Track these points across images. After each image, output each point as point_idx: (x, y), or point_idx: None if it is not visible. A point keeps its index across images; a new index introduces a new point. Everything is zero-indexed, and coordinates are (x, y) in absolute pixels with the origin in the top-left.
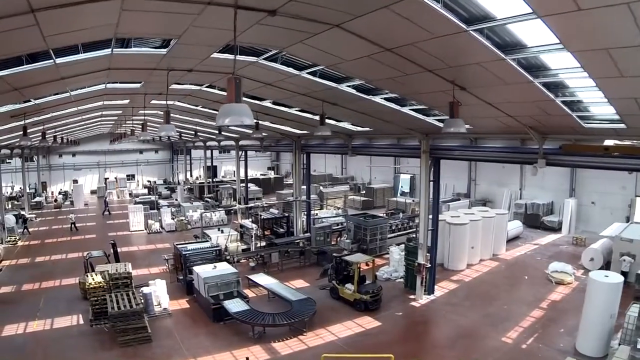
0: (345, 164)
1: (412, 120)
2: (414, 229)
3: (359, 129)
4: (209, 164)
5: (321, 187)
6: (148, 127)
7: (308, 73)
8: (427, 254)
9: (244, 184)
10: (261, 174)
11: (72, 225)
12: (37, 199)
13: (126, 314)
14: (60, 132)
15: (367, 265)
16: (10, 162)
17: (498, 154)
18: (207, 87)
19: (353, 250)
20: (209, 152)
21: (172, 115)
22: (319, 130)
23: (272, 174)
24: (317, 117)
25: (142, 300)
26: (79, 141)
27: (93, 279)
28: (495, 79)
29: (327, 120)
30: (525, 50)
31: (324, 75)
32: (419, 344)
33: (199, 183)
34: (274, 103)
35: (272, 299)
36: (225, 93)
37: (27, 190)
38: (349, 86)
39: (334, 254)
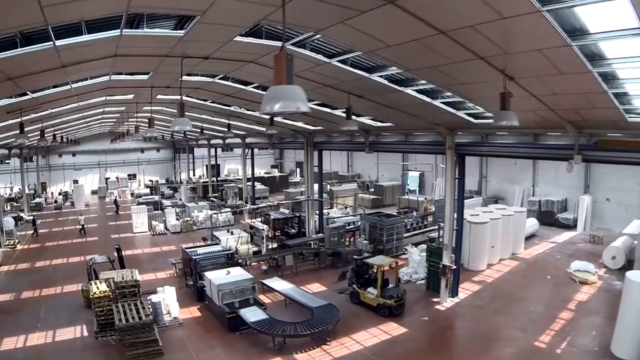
0: (352, 162)
1: (440, 114)
2: (429, 228)
3: (379, 124)
4: (212, 162)
5: (330, 186)
6: (154, 124)
7: (338, 61)
8: (452, 255)
9: (249, 183)
10: (265, 172)
11: (82, 228)
12: (37, 200)
13: (135, 327)
14: (60, 131)
15: (390, 267)
16: (9, 163)
17: (530, 150)
18: (220, 79)
19: (369, 251)
20: (212, 151)
21: (174, 117)
22: (345, 125)
23: (276, 172)
24: (336, 112)
25: (151, 310)
26: (79, 140)
27: (98, 288)
28: (551, 68)
29: (342, 114)
30: (589, 37)
31: (354, 64)
32: (450, 352)
33: (203, 182)
34: None
35: (289, 305)
36: (237, 85)
37: (27, 191)
38: (380, 76)
39: (354, 257)
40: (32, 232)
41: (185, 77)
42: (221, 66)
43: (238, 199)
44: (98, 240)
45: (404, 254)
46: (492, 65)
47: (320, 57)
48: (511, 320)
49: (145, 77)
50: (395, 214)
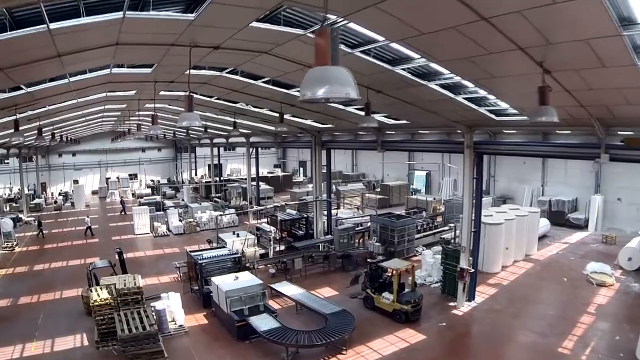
0: (356, 161)
1: (461, 110)
2: (440, 229)
3: (393, 122)
4: (215, 162)
5: (336, 186)
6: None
7: (361, 52)
8: (470, 258)
9: (253, 183)
10: (268, 172)
11: (88, 230)
12: (36, 200)
13: (138, 337)
14: (59, 130)
15: (406, 271)
16: (8, 163)
17: (554, 149)
18: (228, 72)
19: (381, 254)
20: (215, 150)
21: (177, 115)
22: (365, 122)
23: (279, 172)
24: (349, 109)
25: (155, 318)
26: (79, 140)
27: (98, 295)
28: (595, 60)
29: (356, 112)
30: (637, 27)
31: (377, 57)
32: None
33: (205, 182)
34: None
35: (300, 311)
36: (247, 80)
37: (26, 192)
38: (403, 69)
39: (368, 260)
40: (37, 233)
41: (192, 71)
42: (232, 57)
43: (242, 199)
44: (99, 242)
45: (415, 255)
46: (531, 57)
47: (342, 47)
48: (531, 325)
49: (148, 70)
50: (405, 214)
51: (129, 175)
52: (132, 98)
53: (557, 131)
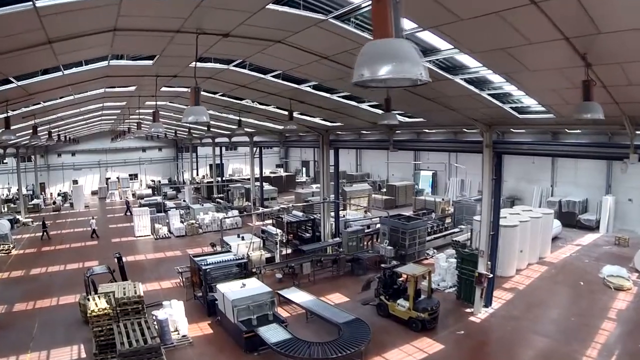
0: (360, 160)
1: (484, 107)
2: (451, 231)
3: (407, 119)
4: (217, 161)
5: (342, 186)
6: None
7: None
8: (488, 263)
9: (257, 183)
10: (271, 172)
11: (93, 233)
12: (35, 201)
13: (139, 352)
14: (56, 129)
15: (422, 277)
16: (6, 163)
17: (579, 149)
18: (235, 65)
19: (392, 257)
20: (216, 150)
21: (179, 112)
22: (385, 119)
23: (281, 172)
24: (363, 105)
25: (157, 328)
26: (78, 139)
27: (96, 305)
28: None
29: (370, 109)
30: None
31: None
32: None
33: (207, 182)
34: (314, 87)
35: (311, 319)
36: (255, 74)
37: (25, 192)
38: (429, 61)
39: (382, 265)
40: (42, 234)
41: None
42: (241, 48)
43: (245, 200)
44: (98, 245)
45: (427, 258)
46: (575, 48)
47: (366, 35)
48: (552, 332)
49: (150, 62)
50: (414, 216)
51: (129, 175)
52: (132, 94)
53: (567, 130)
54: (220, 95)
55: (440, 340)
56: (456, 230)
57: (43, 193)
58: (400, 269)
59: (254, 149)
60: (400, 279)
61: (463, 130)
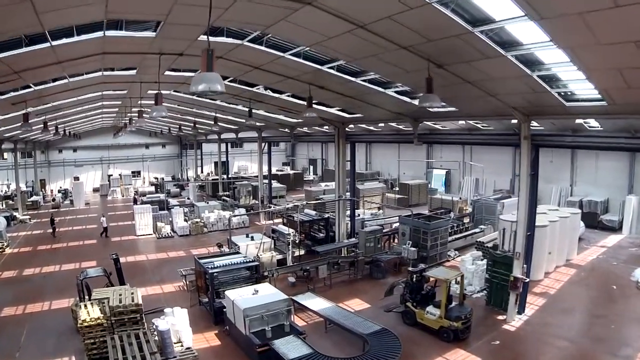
0: (370, 158)
1: (528, 92)
2: (472, 231)
3: (436, 109)
4: (222, 158)
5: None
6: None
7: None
8: (524, 266)
9: (265, 180)
10: (277, 170)
11: (104, 231)
12: (34, 197)
13: None
14: (55, 120)
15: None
16: (6, 159)
17: (629, 142)
18: (251, 40)
19: (416, 259)
20: (222, 147)
21: (185, 103)
22: (426, 101)
23: (288, 170)
24: (389, 92)
25: (158, 340)
26: (79, 135)
27: (88, 313)
28: None
29: (395, 95)
30: None
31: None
32: None
33: (212, 179)
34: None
35: (330, 328)
36: (273, 51)
37: (24, 189)
38: (482, 31)
39: (409, 269)
40: (51, 231)
41: (203, 38)
42: (262, 12)
43: (252, 198)
44: (97, 244)
45: (448, 260)
46: None
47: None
48: (595, 343)
49: (152, 34)
50: (436, 215)
51: (132, 172)
52: (133, 80)
53: (588, 127)
54: (229, 82)
55: (475, 352)
56: (477, 230)
57: (43, 190)
58: (430, 273)
59: (262, 144)
60: (428, 284)
61: (477, 126)
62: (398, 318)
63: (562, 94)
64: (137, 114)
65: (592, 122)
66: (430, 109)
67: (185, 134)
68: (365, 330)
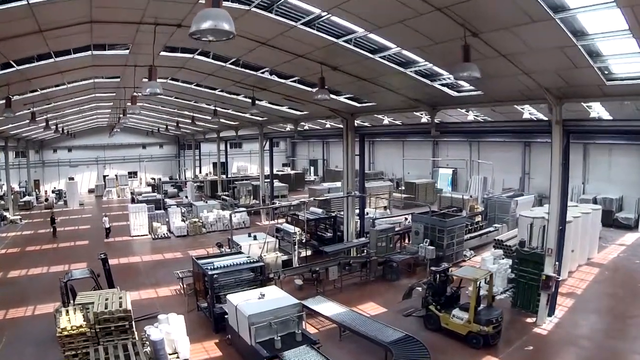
0: (373, 158)
1: (569, 68)
2: (487, 230)
3: (456, 94)
4: (221, 158)
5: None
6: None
7: None
8: (556, 263)
9: (266, 180)
10: (277, 171)
11: (107, 232)
12: (27, 198)
13: None
14: (52, 117)
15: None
16: None
17: None
18: (259, 7)
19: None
20: (221, 147)
21: (183, 94)
22: (465, 70)
23: (289, 170)
24: (410, 71)
25: (150, 351)
26: (74, 134)
27: (69, 321)
28: None
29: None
30: None
31: None
32: None
33: (211, 179)
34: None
35: (344, 336)
36: (285, 20)
37: (17, 189)
38: None
39: (432, 268)
40: (52, 231)
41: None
42: None
43: (252, 197)
44: (89, 245)
45: (464, 260)
46: None
47: None
48: (635, 345)
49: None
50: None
51: (129, 173)
52: (127, 63)
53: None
54: (230, 64)
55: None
56: (491, 229)
57: (37, 190)
58: (457, 272)
59: (264, 141)
60: (452, 285)
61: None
62: (419, 323)
63: (603, 70)
64: (130, 101)
65: (603, 115)
66: (473, 75)
67: (183, 132)
68: (387, 338)
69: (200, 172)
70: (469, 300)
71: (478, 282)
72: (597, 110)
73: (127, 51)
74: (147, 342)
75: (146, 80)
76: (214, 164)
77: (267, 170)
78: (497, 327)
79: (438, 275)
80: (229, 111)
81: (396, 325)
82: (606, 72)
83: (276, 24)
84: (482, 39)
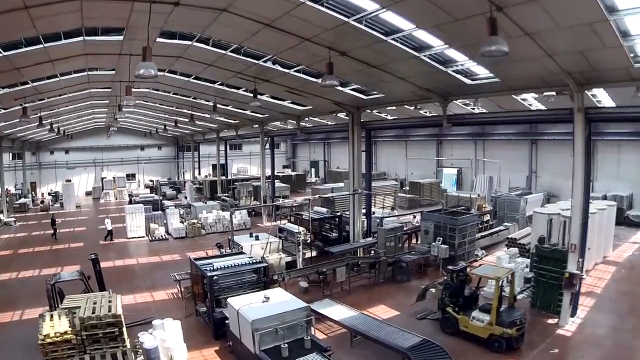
0: (376, 159)
1: (598, 49)
2: (497, 229)
3: (469, 82)
4: (221, 159)
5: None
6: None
7: None
8: (580, 260)
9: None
10: (278, 172)
11: (109, 235)
12: (22, 200)
13: None
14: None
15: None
16: None
17: None
18: None
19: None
20: (220, 147)
21: (181, 89)
22: (492, 44)
23: (289, 172)
24: (424, 56)
25: None
26: (72, 135)
27: (53, 327)
28: None
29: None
30: None
31: None
32: None
33: (211, 179)
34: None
35: (356, 342)
36: None
37: (13, 191)
38: None
39: (449, 267)
40: (52, 233)
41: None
42: None
43: (252, 198)
44: (83, 247)
45: (476, 260)
46: None
47: None
48: None
49: None
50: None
51: (127, 175)
52: (121, 52)
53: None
54: (230, 52)
55: None
56: (502, 228)
57: (33, 192)
58: (477, 271)
59: (265, 139)
60: (470, 285)
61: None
62: (434, 326)
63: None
64: (125, 92)
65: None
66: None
67: (182, 133)
68: (404, 343)
69: (199, 174)
70: (485, 302)
71: (500, 281)
72: (601, 98)
73: (121, 37)
74: (140, 351)
75: (161, 40)
76: (214, 166)
77: (268, 171)
78: (520, 329)
79: (456, 275)
80: (229, 107)
81: (410, 329)
82: (632, 55)
83: (282, 2)
84: (506, 14)
